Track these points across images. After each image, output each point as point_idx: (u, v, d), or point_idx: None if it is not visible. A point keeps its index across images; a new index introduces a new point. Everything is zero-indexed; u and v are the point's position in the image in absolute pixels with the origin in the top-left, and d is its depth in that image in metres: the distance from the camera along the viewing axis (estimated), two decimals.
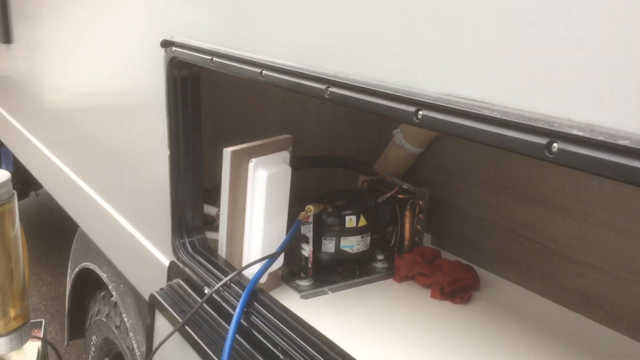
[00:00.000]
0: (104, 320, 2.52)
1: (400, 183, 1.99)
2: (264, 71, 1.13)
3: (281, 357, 1.22)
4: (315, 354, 1.17)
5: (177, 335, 1.44)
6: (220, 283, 1.40)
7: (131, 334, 2.14)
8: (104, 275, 2.35)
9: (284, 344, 1.23)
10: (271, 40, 1.15)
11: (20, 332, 1.60)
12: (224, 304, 1.41)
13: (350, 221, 1.85)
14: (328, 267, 1.86)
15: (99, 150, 2.15)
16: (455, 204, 2.06)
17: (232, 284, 1.43)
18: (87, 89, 2.22)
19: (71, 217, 2.57)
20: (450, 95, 0.77)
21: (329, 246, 1.85)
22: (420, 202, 1.97)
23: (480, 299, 1.79)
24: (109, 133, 2.03)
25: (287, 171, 1.68)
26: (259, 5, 1.18)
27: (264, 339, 1.28)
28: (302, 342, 1.21)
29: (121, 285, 2.24)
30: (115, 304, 2.43)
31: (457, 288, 1.78)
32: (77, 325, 2.91)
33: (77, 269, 2.69)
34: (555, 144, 0.64)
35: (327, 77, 0.98)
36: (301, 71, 1.03)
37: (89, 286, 2.78)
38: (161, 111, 1.57)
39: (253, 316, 1.33)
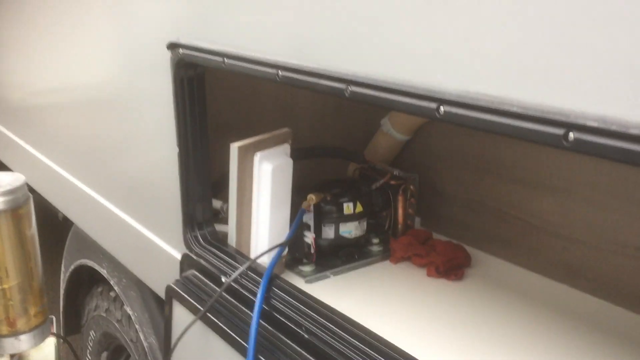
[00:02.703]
0: (104, 315, 2.58)
1: (391, 170, 2.09)
2: (280, 72, 1.22)
3: (306, 336, 1.31)
4: (338, 330, 1.27)
5: (197, 323, 1.52)
6: (239, 270, 1.48)
7: (137, 326, 2.21)
8: (104, 271, 2.41)
9: (307, 323, 1.32)
10: (285, 40, 1.23)
11: (42, 329, 1.66)
12: (243, 291, 1.49)
13: (348, 208, 1.94)
14: (328, 252, 1.95)
15: (99, 151, 2.20)
16: (442, 187, 2.18)
17: (248, 272, 1.51)
18: (80, 86, 2.26)
19: (67, 216, 2.61)
20: (470, 92, 0.87)
21: (328, 232, 1.94)
22: (411, 187, 2.08)
23: (472, 275, 1.91)
24: (113, 133, 2.07)
25: (289, 163, 1.77)
26: (271, 3, 1.25)
27: (286, 320, 1.37)
28: (325, 321, 1.31)
29: (124, 280, 2.30)
30: (115, 298, 2.49)
31: (451, 266, 1.90)
32: (72, 322, 2.96)
33: (72, 267, 2.73)
34: (571, 134, 0.74)
35: (347, 77, 1.07)
36: (320, 72, 1.11)
37: (82, 283, 2.83)
38: (168, 109, 1.63)
39: (273, 300, 1.42)
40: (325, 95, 2.24)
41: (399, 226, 2.08)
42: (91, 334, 2.77)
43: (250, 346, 1.32)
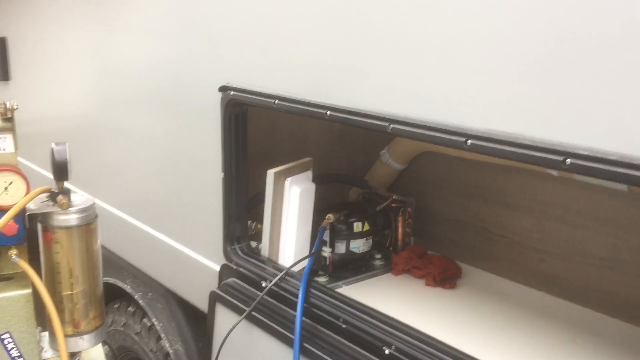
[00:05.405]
0: (121, 329, 2.79)
1: (391, 194, 2.42)
2: (328, 112, 1.53)
3: (343, 325, 1.60)
4: (370, 319, 1.57)
5: (240, 322, 1.79)
6: (280, 275, 1.76)
7: (162, 335, 2.44)
8: (127, 287, 2.63)
9: (344, 315, 1.61)
10: (335, 87, 1.53)
11: (100, 330, 1.90)
12: (282, 292, 1.78)
13: (357, 227, 2.26)
14: (339, 265, 2.25)
15: (141, 180, 2.44)
16: (434, 210, 2.51)
17: (286, 277, 1.80)
18: (121, 119, 2.50)
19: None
20: (491, 129, 1.20)
21: (340, 248, 2.24)
22: (409, 209, 2.40)
23: (463, 284, 2.23)
24: (161, 164, 2.30)
25: (312, 187, 2.08)
26: (329, 62, 1.53)
27: (324, 314, 1.66)
28: (359, 313, 1.60)
29: (149, 294, 2.54)
30: (134, 312, 2.71)
31: (445, 276, 2.22)
32: None
33: None
34: (568, 160, 1.07)
35: (389, 117, 1.39)
36: (367, 112, 1.43)
37: None
38: (215, 140, 1.91)
39: (311, 298, 1.70)
40: (332, 129, 2.58)
41: (399, 243, 2.39)
42: (105, 348, 2.97)
43: (296, 336, 1.60)
